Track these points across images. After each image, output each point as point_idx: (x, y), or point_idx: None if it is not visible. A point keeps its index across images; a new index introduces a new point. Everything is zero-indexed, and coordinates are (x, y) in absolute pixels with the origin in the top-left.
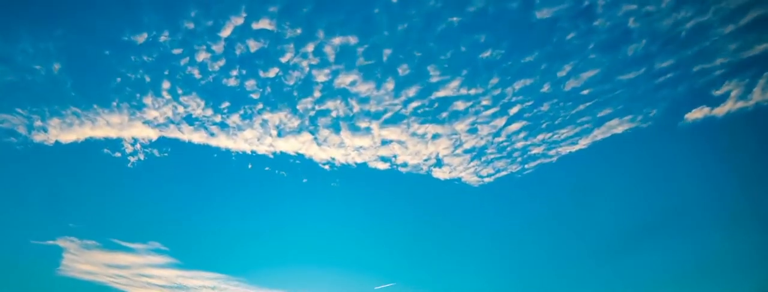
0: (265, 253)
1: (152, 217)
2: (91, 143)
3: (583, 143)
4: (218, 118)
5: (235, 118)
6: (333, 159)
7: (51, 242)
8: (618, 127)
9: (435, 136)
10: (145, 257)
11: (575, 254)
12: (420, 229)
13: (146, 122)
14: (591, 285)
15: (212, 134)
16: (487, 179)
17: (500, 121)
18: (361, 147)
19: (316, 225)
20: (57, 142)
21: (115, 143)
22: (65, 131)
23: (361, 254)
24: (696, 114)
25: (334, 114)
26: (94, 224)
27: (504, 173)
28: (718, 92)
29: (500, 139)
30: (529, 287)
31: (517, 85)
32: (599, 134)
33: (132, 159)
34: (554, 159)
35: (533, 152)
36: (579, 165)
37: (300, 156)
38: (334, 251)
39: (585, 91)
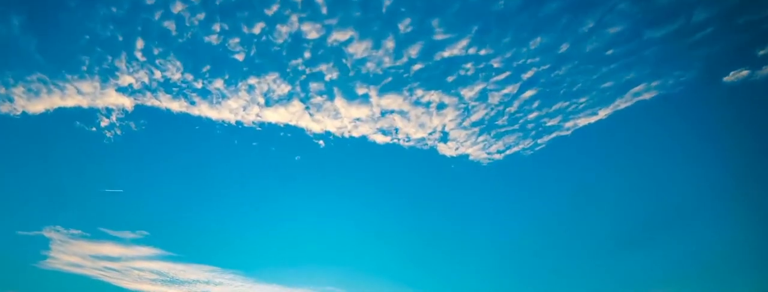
0: (259, 242)
1: (134, 200)
2: (62, 114)
3: (604, 113)
4: (199, 84)
5: (218, 84)
6: (327, 132)
7: (36, 233)
8: (644, 94)
9: (440, 106)
10: (133, 247)
11: (594, 240)
12: (424, 212)
13: (121, 90)
14: (614, 275)
15: (193, 103)
16: (496, 156)
17: (512, 88)
18: (358, 119)
19: (310, 206)
20: (24, 113)
21: (89, 115)
22: (33, 101)
23: (361, 240)
24: (735, 77)
25: (327, 78)
26: (78, 211)
27: (515, 149)
28: (764, 52)
29: (512, 109)
30: (542, 277)
31: (533, 45)
32: (622, 103)
33: (108, 134)
34: (569, 132)
35: (548, 123)
36: (598, 139)
37: (291, 128)
38: (331, 236)
39: (609, 52)
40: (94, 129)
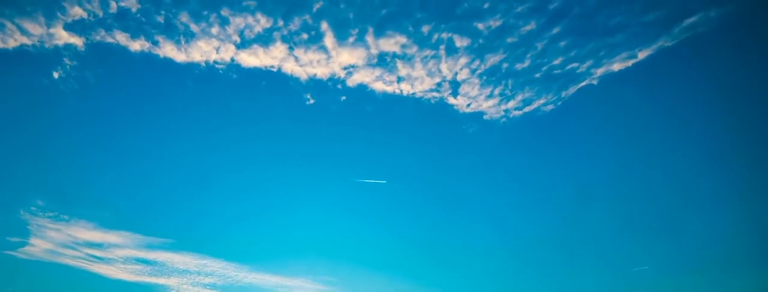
0: (242, 221)
1: (93, 166)
2: (7, 58)
3: (643, 54)
4: (161, 18)
5: (183, 18)
6: (315, 81)
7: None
8: (699, 27)
9: (451, 49)
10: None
11: (622, 212)
12: (431, 182)
13: (69, 27)
14: (650, 250)
15: (155, 42)
16: (515, 113)
17: (536, 24)
18: (352, 65)
19: (296, 174)
20: None
21: (37, 58)
22: None
23: (358, 213)
24: None
25: (315, 7)
26: (49, 188)
27: (535, 104)
28: None
29: (534, 51)
30: (563, 253)
31: None
32: (667, 41)
33: (57, 75)
34: (596, 81)
35: (577, 69)
36: (634, 87)
37: (273, 74)
38: (323, 209)
39: None
40: (44, 79)
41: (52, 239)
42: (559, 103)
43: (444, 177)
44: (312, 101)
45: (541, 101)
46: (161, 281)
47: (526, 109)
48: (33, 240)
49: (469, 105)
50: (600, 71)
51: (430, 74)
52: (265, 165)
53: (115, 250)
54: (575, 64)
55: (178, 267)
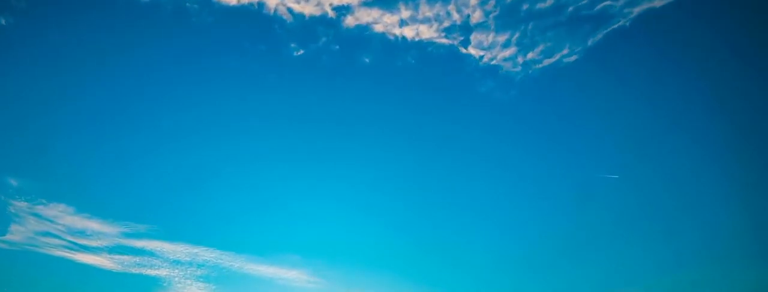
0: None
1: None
2: None
3: None
4: None
5: None
6: (303, 24)
7: None
8: None
9: None
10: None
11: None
12: (436, 147)
13: None
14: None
15: None
16: (536, 66)
17: None
18: (347, 6)
19: (286, 153)
20: None
21: None
22: None
23: (358, 198)
24: None
25: None
26: (23, 166)
27: (558, 55)
28: None
29: None
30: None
31: None
32: None
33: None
34: (628, 22)
35: (610, 8)
36: (672, 28)
37: (253, 13)
38: (323, 196)
39: None
40: None
41: (31, 226)
42: (583, 53)
43: (451, 151)
44: (300, 53)
45: (564, 51)
46: (151, 272)
47: (546, 61)
48: (13, 227)
49: (482, 57)
50: (636, 11)
51: (437, 18)
52: (252, 141)
53: (100, 238)
54: (608, 1)
55: (169, 257)
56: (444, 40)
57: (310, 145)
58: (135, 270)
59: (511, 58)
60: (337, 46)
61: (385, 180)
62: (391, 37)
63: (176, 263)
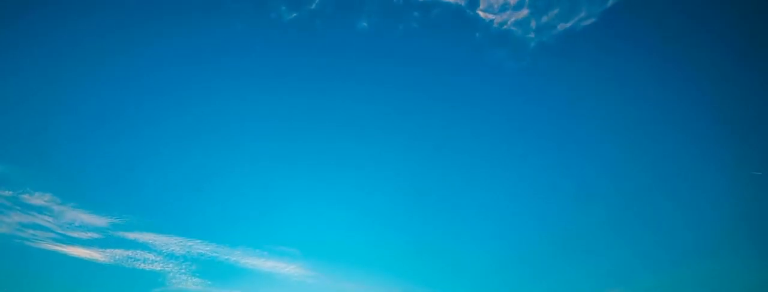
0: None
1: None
2: None
3: None
4: None
5: None
6: None
7: None
8: None
9: None
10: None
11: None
12: (441, 127)
13: None
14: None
15: None
16: (548, 32)
17: None
18: None
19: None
20: None
21: None
22: None
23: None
24: None
25: None
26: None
27: (575, 19)
28: None
29: None
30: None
31: None
32: None
33: None
34: None
35: None
36: None
37: None
38: (322, 185)
39: None
40: None
41: (16, 217)
42: (601, 16)
43: (459, 130)
44: (292, 16)
45: (581, 14)
46: (144, 265)
47: (561, 25)
48: None
49: (492, 21)
50: None
51: None
52: (241, 124)
53: (89, 230)
54: None
55: (162, 250)
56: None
57: (305, 126)
58: (127, 263)
59: (524, 22)
60: (332, 9)
61: (385, 164)
62: None
63: (170, 256)
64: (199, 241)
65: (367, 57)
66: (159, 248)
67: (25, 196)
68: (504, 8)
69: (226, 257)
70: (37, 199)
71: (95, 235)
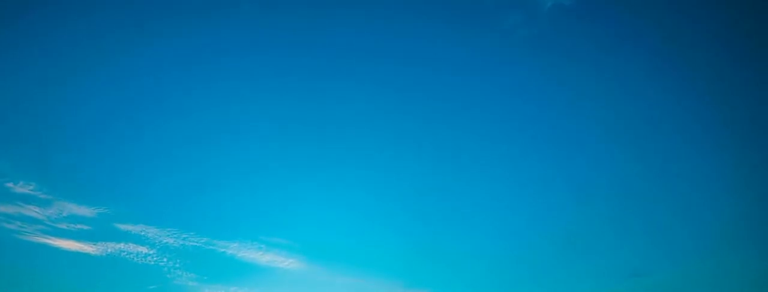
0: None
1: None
2: None
3: None
4: None
5: None
6: None
7: None
8: None
9: None
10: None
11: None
12: (448, 102)
13: None
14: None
15: None
16: None
17: None
18: None
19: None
20: None
21: None
22: None
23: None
24: None
25: None
26: None
27: None
28: None
29: None
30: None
31: None
32: None
33: None
34: None
35: None
36: None
37: None
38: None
39: None
40: None
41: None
42: None
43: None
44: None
45: None
46: (136, 258)
47: None
48: None
49: None
50: None
51: None
52: (238, 116)
53: (78, 221)
54: None
55: (155, 242)
56: None
57: (303, 121)
58: (119, 255)
59: None
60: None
61: (383, 160)
62: None
63: (164, 249)
64: (193, 233)
65: (366, 22)
66: (152, 240)
67: (9, 184)
68: None
69: (222, 250)
70: (22, 188)
71: (85, 226)
